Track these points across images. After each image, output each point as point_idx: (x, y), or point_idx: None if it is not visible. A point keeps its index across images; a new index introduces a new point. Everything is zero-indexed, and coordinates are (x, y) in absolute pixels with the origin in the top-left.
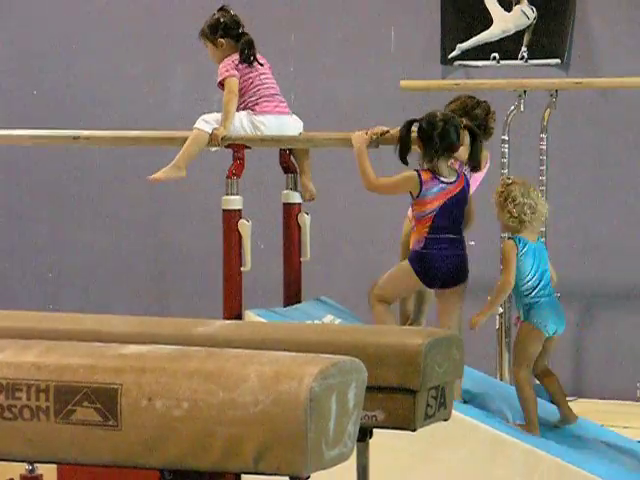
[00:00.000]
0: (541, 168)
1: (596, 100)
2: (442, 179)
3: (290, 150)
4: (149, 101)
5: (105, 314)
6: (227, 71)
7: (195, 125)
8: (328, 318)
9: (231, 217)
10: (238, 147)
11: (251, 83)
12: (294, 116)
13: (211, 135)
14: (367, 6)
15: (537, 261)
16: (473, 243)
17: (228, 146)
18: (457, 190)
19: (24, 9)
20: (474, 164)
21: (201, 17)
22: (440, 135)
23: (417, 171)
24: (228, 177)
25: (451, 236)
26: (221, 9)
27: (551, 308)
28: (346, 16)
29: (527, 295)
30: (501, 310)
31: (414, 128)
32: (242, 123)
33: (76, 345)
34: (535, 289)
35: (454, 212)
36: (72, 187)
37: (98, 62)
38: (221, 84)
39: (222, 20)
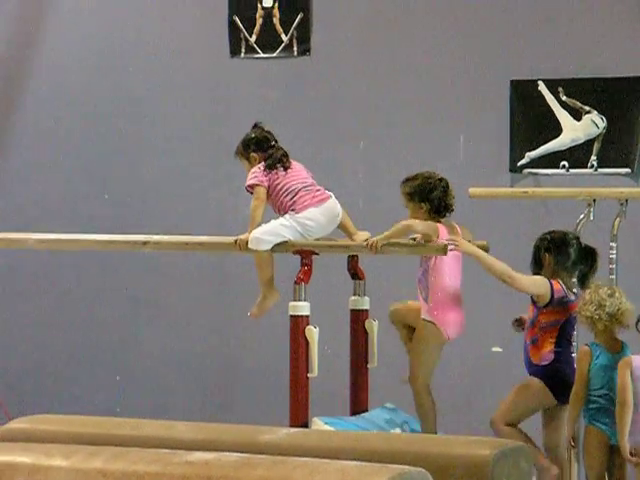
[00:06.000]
0: (611, 277)
1: None
2: (569, 294)
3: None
4: (218, 206)
5: (171, 420)
6: (255, 177)
7: (250, 247)
8: (396, 432)
9: (298, 323)
10: (305, 253)
11: (281, 187)
12: (333, 198)
13: (236, 242)
14: (436, 114)
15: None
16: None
17: (296, 252)
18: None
19: (93, 115)
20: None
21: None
22: (574, 253)
23: (549, 280)
24: (296, 283)
25: (572, 349)
26: (254, 126)
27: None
28: (415, 123)
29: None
30: None
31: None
32: (291, 228)
33: (142, 452)
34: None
35: (575, 327)
36: (140, 290)
37: (166, 167)
38: (249, 189)
39: (253, 136)
